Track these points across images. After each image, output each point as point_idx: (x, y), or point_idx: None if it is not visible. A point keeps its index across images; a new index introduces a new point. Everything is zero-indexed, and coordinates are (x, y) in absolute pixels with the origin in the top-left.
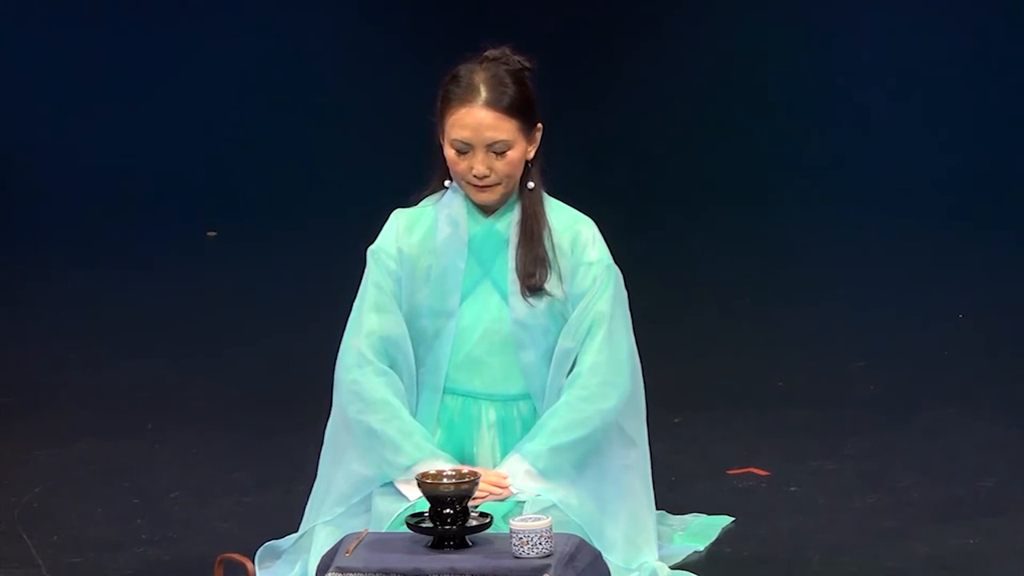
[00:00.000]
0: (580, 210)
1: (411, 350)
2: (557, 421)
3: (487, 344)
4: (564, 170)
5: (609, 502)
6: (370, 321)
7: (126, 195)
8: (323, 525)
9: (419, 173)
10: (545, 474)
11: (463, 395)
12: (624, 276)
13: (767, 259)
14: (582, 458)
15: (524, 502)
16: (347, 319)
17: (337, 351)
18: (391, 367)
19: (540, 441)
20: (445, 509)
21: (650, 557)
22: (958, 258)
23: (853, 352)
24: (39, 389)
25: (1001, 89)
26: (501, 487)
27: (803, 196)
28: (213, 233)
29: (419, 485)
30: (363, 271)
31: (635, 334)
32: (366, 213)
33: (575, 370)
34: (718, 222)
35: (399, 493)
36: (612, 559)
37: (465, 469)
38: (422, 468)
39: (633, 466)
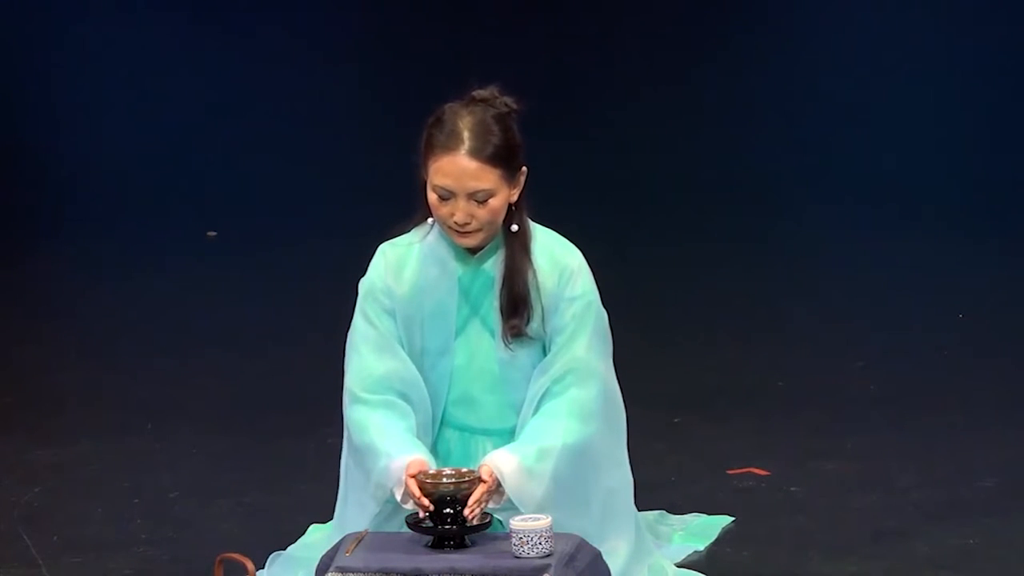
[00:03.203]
0: (580, 212)
1: (419, 379)
2: (541, 430)
3: (480, 383)
4: (562, 167)
5: (590, 525)
6: (366, 362)
7: (126, 195)
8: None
9: (417, 175)
10: (534, 472)
11: (460, 429)
12: (622, 277)
13: (766, 259)
14: (566, 473)
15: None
16: (348, 322)
17: (337, 351)
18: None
19: (528, 443)
20: (445, 509)
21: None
22: (958, 258)
23: (853, 352)
24: (39, 389)
25: (1002, 89)
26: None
27: (803, 196)
28: (213, 233)
29: (419, 486)
30: (362, 273)
31: (634, 334)
32: (368, 215)
33: (553, 403)
34: (717, 222)
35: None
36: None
37: (464, 469)
38: (396, 466)
39: (614, 495)
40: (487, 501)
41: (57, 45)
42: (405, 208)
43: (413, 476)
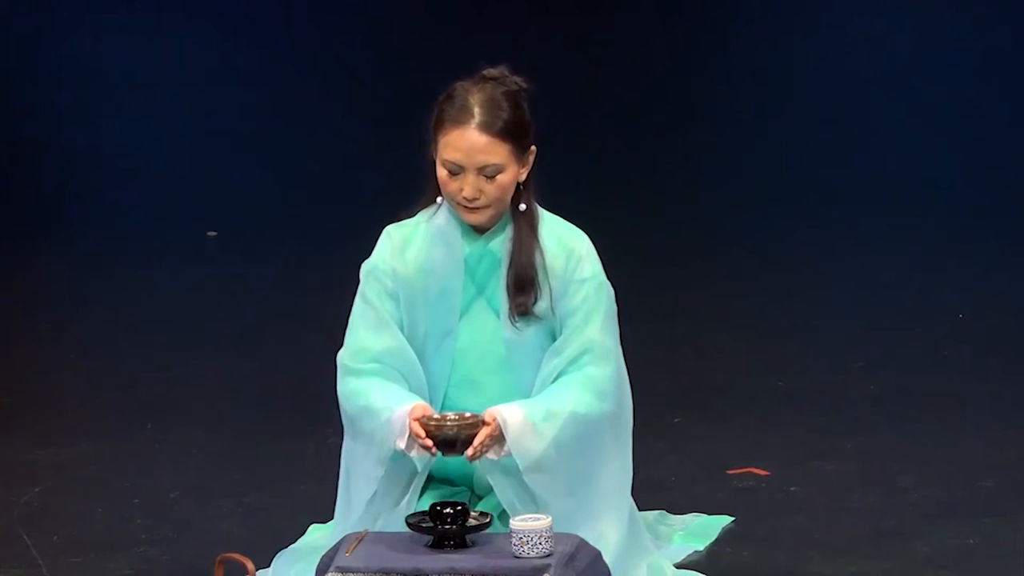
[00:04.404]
0: (581, 211)
1: (415, 360)
2: (553, 394)
3: (485, 365)
4: (566, 167)
5: (583, 498)
6: (361, 339)
7: (126, 195)
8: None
9: (419, 176)
10: (538, 429)
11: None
12: (624, 276)
13: (767, 259)
14: (569, 439)
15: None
16: (346, 323)
17: (337, 351)
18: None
19: (538, 402)
20: (449, 451)
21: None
22: (958, 258)
23: (853, 352)
24: (39, 389)
25: (1002, 89)
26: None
27: (803, 196)
28: (213, 233)
29: (423, 428)
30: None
31: (635, 333)
32: (366, 214)
33: (568, 376)
34: (718, 222)
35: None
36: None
37: (468, 413)
38: (398, 416)
39: (613, 479)
40: (489, 447)
41: (59, 44)
42: (408, 207)
43: (417, 419)
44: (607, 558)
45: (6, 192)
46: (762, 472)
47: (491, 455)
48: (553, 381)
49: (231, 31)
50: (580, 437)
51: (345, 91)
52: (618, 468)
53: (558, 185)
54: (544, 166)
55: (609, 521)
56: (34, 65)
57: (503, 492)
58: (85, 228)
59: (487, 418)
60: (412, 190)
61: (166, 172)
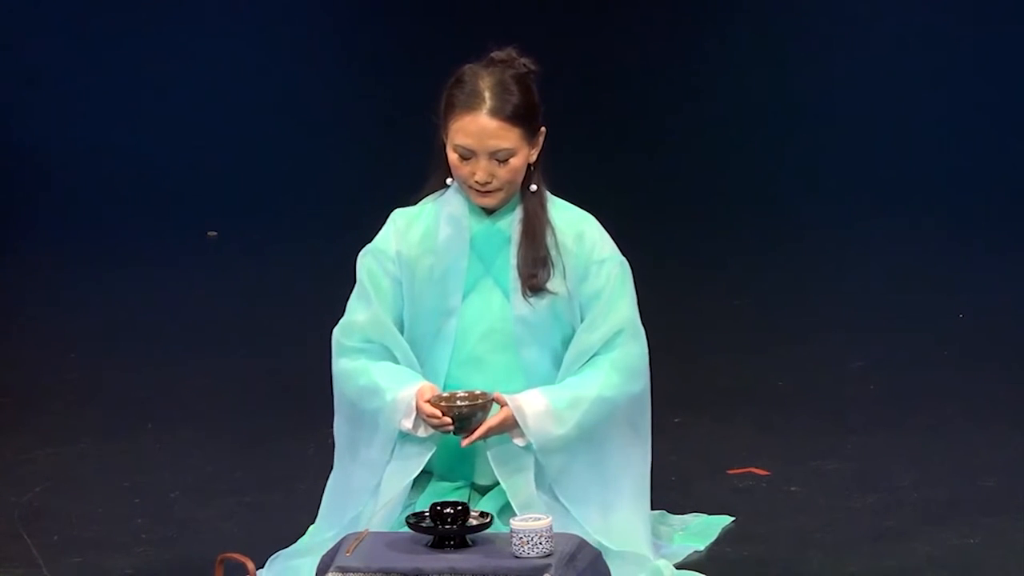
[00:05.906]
0: (583, 205)
1: (399, 336)
2: (580, 379)
3: (489, 343)
4: (569, 164)
5: (604, 482)
6: (351, 315)
7: (126, 195)
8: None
9: (420, 173)
10: (561, 416)
11: None
12: None
13: (767, 258)
14: (593, 423)
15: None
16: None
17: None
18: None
19: (565, 389)
20: (461, 432)
21: (644, 549)
22: (958, 258)
23: (853, 352)
24: (39, 389)
25: (1002, 89)
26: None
27: (803, 195)
28: (213, 233)
29: (434, 406)
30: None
31: None
32: (367, 213)
33: (598, 358)
34: (718, 221)
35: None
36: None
37: (477, 391)
38: (403, 397)
39: (635, 461)
40: (496, 435)
41: (58, 40)
42: (413, 203)
43: (428, 401)
44: (644, 542)
45: (5, 191)
46: (762, 472)
47: (518, 441)
48: (587, 360)
49: (232, 27)
50: (605, 420)
51: (347, 89)
52: (639, 449)
53: (558, 184)
54: (547, 165)
55: (633, 497)
56: (35, 61)
57: (504, 459)
58: (85, 227)
59: (499, 399)
60: (413, 188)
61: (167, 171)
